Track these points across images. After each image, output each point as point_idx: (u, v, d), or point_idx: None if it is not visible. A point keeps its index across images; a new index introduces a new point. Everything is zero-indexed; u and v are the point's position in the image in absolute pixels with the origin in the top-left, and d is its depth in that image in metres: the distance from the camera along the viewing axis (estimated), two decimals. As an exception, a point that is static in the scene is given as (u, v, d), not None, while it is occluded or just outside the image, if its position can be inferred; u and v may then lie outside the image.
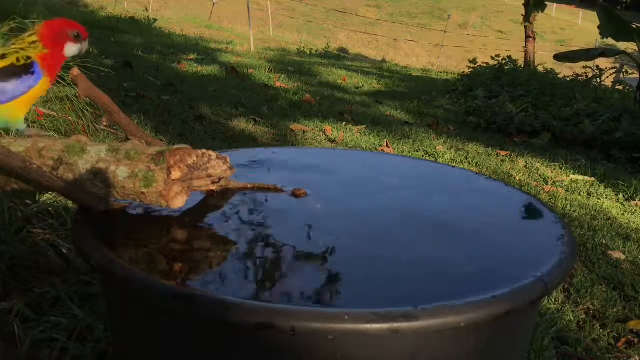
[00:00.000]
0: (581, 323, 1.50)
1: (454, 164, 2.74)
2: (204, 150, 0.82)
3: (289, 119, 3.48)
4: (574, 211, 2.39)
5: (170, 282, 0.65)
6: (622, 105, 4.54)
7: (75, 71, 0.93)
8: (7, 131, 1.92)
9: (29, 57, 0.93)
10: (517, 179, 2.82)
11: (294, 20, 18.11)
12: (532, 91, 5.02)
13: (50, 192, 1.52)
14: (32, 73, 0.92)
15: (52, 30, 0.94)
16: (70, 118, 2.25)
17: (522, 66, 6.88)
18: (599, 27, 4.89)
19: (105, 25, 8.21)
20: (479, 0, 24.83)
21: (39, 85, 0.93)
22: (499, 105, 4.60)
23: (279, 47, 10.48)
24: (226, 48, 8.24)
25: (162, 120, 2.95)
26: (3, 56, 0.92)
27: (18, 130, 0.96)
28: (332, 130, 3.26)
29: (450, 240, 0.81)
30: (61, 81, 2.27)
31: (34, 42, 0.94)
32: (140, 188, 0.78)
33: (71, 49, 0.95)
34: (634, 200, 2.70)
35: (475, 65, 6.32)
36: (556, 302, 1.56)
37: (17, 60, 0.92)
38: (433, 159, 2.93)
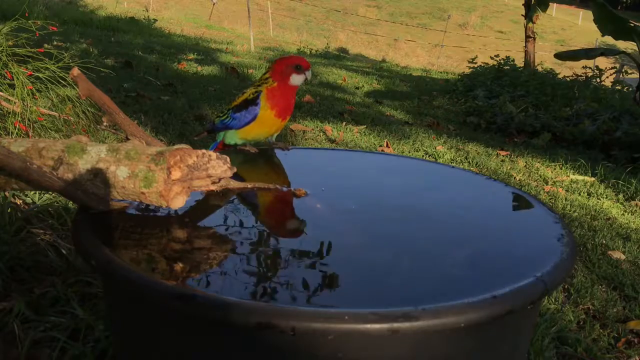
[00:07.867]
0: (581, 323, 1.50)
1: (454, 164, 2.74)
2: (204, 151, 0.82)
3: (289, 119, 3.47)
4: (574, 211, 2.39)
5: (170, 282, 0.65)
6: (622, 105, 4.54)
7: (75, 71, 0.93)
8: (7, 131, 1.91)
9: (256, 92, 1.12)
10: (517, 179, 2.82)
11: (294, 20, 18.12)
12: (532, 91, 5.02)
13: (50, 192, 1.52)
14: (256, 105, 1.11)
15: (279, 66, 1.13)
16: (71, 118, 2.25)
17: (522, 66, 6.87)
18: (595, 22, 4.89)
19: (105, 25, 8.22)
20: (479, 0, 24.83)
21: (263, 114, 1.12)
22: (499, 105, 4.60)
23: (279, 47, 10.47)
24: (226, 48, 8.24)
25: (162, 120, 2.95)
26: (243, 93, 1.15)
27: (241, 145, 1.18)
28: (332, 130, 3.25)
29: (451, 240, 0.81)
30: (62, 81, 2.26)
31: (267, 79, 1.13)
32: (140, 188, 0.78)
33: (296, 79, 1.12)
34: (634, 200, 2.70)
35: (475, 65, 6.33)
36: (556, 302, 1.56)
37: (250, 95, 1.13)
38: (433, 159, 2.92)
